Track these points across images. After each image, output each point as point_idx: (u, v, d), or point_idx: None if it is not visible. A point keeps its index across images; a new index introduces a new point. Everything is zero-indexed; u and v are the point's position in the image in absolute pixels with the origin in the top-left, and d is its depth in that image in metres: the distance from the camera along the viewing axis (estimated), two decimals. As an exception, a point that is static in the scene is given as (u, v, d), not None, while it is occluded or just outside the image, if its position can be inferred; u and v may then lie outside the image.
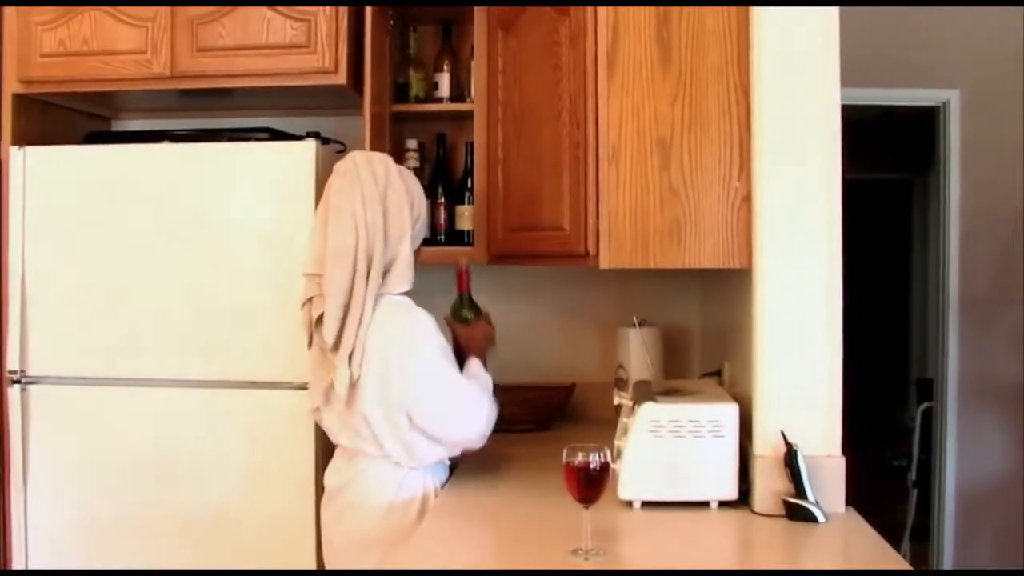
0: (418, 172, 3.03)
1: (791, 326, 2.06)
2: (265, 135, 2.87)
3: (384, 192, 2.19)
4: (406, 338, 2.14)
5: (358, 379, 2.12)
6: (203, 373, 2.76)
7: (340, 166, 2.24)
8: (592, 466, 1.75)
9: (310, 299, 2.21)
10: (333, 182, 2.22)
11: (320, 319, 2.15)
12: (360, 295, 2.11)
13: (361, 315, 2.11)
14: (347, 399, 2.15)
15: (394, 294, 2.19)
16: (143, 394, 2.79)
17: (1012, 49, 4.02)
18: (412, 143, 3.15)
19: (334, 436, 2.28)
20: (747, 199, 2.12)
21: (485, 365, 2.38)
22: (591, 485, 1.76)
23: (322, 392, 2.22)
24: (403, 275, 2.19)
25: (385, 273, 2.17)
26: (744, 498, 2.06)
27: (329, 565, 2.34)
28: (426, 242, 2.60)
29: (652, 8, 2.15)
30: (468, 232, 3.06)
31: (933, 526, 4.28)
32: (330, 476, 2.32)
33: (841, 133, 2.06)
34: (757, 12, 2.09)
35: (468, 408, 2.22)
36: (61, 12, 2.87)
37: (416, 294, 2.24)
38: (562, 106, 2.49)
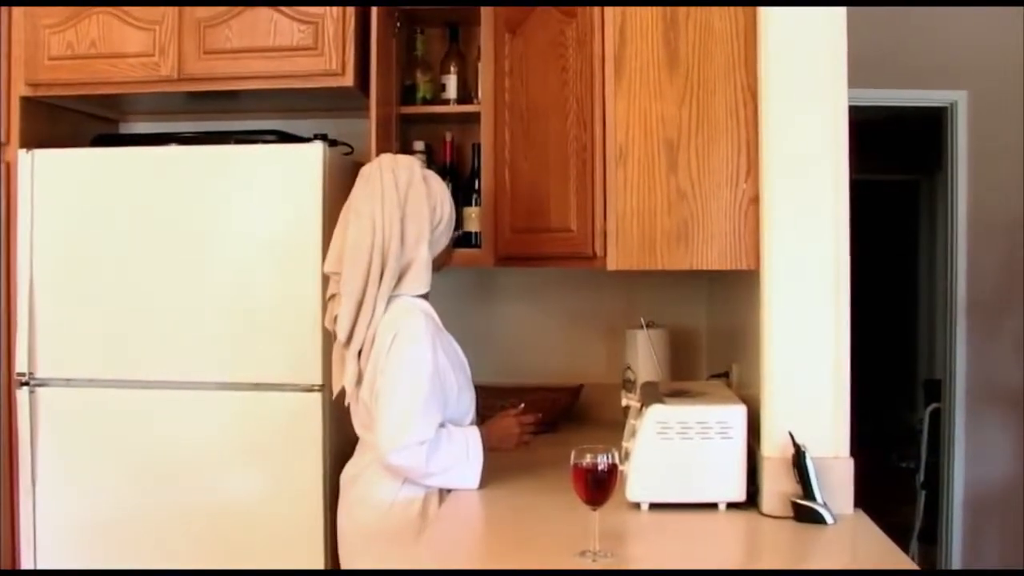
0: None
1: (799, 327, 2.05)
2: (272, 137, 2.87)
3: (405, 196, 2.23)
4: (394, 335, 2.16)
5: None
6: (211, 375, 2.76)
7: (365, 170, 2.30)
8: (600, 468, 1.75)
9: (332, 296, 2.28)
10: (357, 185, 2.28)
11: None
12: (372, 295, 2.18)
13: (372, 314, 2.18)
14: (354, 393, 2.23)
15: (410, 295, 2.22)
16: (151, 396, 2.79)
17: (1020, 50, 4.01)
18: (419, 145, 3.15)
19: (356, 428, 2.35)
20: (755, 200, 2.12)
21: (485, 448, 2.26)
22: (599, 487, 1.76)
23: (341, 385, 2.28)
24: (420, 277, 2.23)
25: (402, 275, 2.21)
26: (752, 500, 2.06)
27: (342, 558, 2.37)
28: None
29: (659, 9, 2.15)
30: (475, 234, 3.06)
31: (941, 528, 4.26)
32: (347, 468, 2.37)
33: (848, 134, 2.06)
34: (764, 13, 2.08)
35: (394, 418, 2.12)
36: (69, 15, 2.89)
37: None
38: (569, 108, 2.49)
